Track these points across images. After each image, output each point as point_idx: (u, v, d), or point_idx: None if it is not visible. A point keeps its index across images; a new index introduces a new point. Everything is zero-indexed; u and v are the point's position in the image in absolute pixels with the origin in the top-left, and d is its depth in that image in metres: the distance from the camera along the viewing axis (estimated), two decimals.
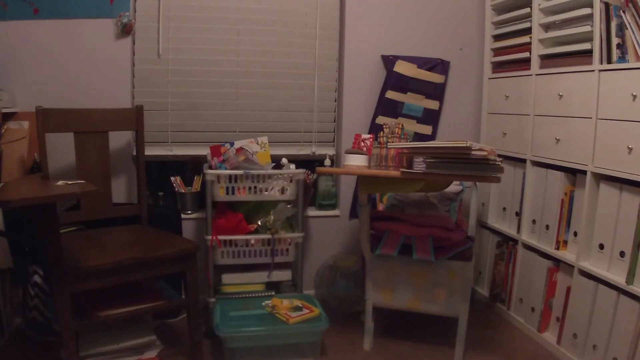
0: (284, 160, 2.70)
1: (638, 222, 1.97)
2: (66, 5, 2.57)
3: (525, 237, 2.66)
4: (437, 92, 2.99)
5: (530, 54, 2.58)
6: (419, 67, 2.94)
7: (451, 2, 2.99)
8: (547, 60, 2.51)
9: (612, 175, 2.10)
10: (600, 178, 2.18)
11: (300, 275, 2.64)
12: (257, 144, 2.71)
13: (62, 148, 2.37)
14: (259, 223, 2.58)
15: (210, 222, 2.49)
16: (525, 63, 2.63)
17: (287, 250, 2.61)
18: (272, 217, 2.57)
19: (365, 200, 2.33)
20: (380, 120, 2.91)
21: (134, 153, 2.67)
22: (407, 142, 2.33)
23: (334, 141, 3.06)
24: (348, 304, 2.79)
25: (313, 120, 2.98)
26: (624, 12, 2.04)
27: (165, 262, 2.07)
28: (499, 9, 2.88)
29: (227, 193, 2.50)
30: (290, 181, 2.57)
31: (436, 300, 2.35)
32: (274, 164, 2.69)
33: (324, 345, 2.43)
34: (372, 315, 2.45)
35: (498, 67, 2.93)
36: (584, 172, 2.23)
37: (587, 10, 2.20)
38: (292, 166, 2.67)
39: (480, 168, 1.94)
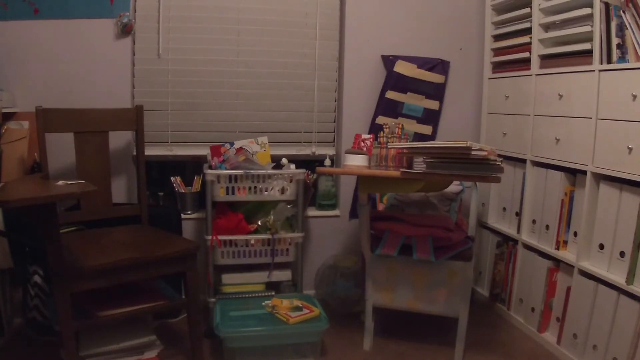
0: (284, 160, 2.70)
1: (638, 222, 1.97)
2: (66, 5, 2.57)
3: (525, 237, 2.66)
4: (437, 92, 2.99)
5: (530, 54, 2.58)
6: (419, 67, 2.94)
7: (451, 2, 2.99)
8: (547, 60, 2.51)
9: (612, 175, 2.09)
10: (600, 178, 2.18)
11: (300, 275, 2.64)
12: (257, 144, 2.70)
13: (62, 148, 2.38)
14: (259, 223, 2.58)
15: (210, 222, 2.49)
16: (525, 63, 2.63)
17: (287, 250, 2.61)
18: (272, 217, 2.57)
19: (365, 200, 2.33)
20: (380, 120, 2.91)
21: (134, 153, 2.67)
22: (407, 142, 2.32)
23: (334, 141, 3.06)
24: (348, 304, 2.79)
25: (313, 120, 2.98)
26: (624, 12, 2.04)
27: (165, 262, 2.07)
28: (499, 9, 2.88)
29: (227, 193, 2.50)
30: (290, 181, 2.57)
31: (436, 300, 2.35)
32: (274, 164, 2.69)
33: (324, 345, 2.43)
34: (372, 315, 2.45)
35: (498, 67, 2.93)
36: (584, 172, 2.23)
37: (587, 10, 2.20)
38: (292, 166, 2.67)
39: (480, 168, 1.94)
